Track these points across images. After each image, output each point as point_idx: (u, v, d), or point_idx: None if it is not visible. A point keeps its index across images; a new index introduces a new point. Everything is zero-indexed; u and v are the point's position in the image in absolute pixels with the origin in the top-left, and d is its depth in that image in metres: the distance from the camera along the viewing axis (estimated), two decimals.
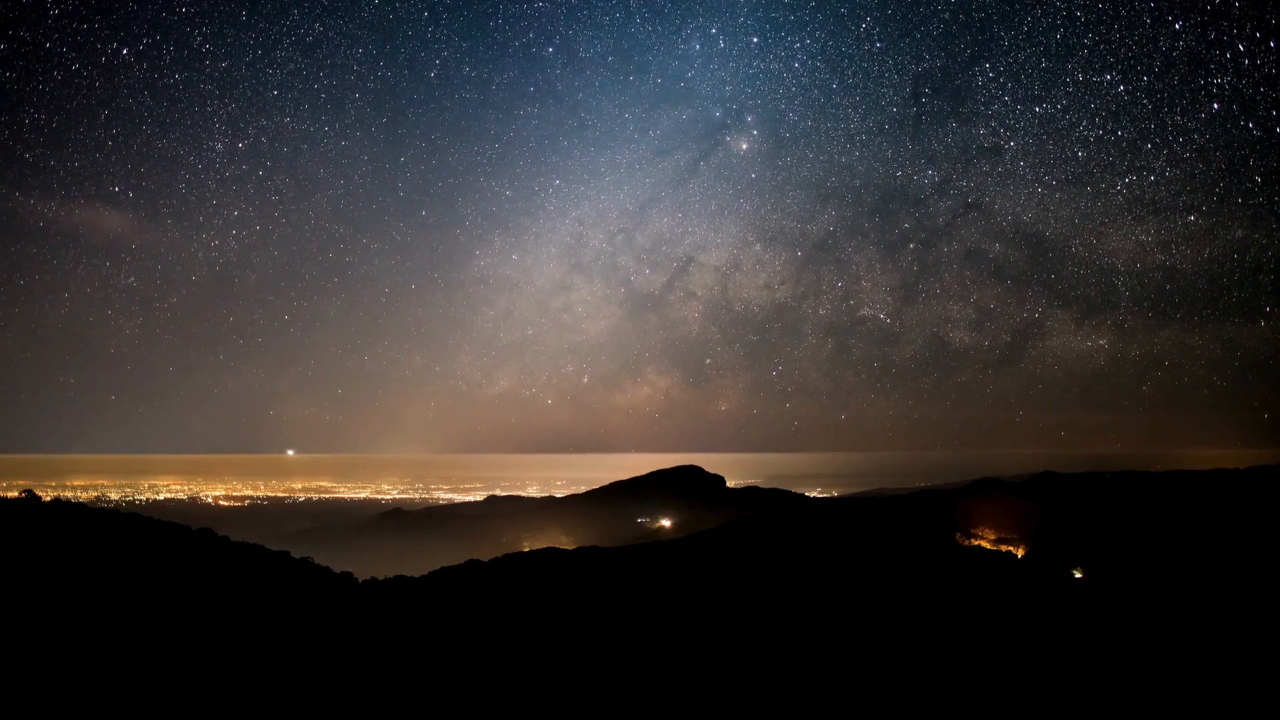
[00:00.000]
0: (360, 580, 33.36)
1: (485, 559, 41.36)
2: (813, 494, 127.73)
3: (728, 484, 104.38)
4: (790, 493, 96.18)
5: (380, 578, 34.89)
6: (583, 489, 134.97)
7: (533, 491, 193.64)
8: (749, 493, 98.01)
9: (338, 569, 33.69)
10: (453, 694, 20.68)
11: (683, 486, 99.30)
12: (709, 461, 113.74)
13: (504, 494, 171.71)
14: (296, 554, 34.03)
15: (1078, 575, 49.37)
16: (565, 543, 61.29)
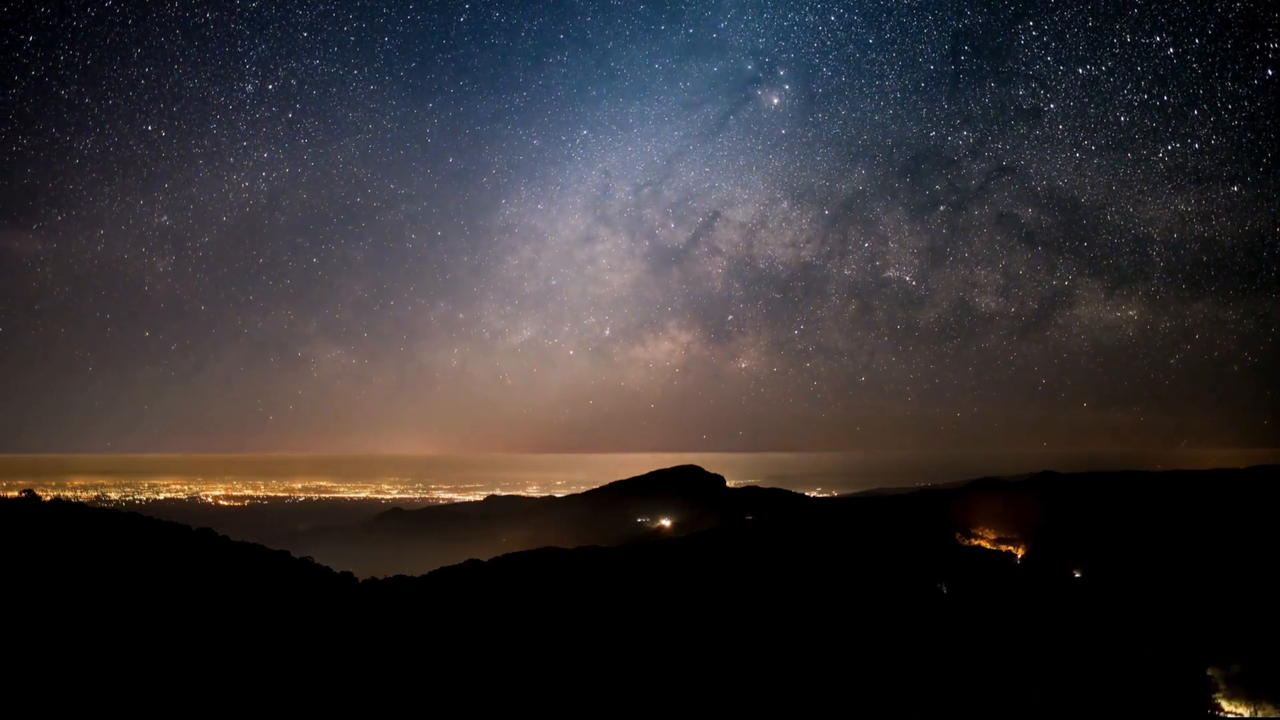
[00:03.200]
0: (360, 580, 33.39)
1: (485, 559, 41.39)
2: (813, 494, 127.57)
3: (728, 484, 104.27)
4: (790, 493, 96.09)
5: (380, 578, 34.92)
6: (583, 489, 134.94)
7: (533, 491, 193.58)
8: (749, 493, 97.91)
9: (338, 569, 33.73)
10: (452, 693, 20.68)
11: (683, 486, 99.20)
12: (709, 461, 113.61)
13: (504, 494, 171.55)
14: (296, 554, 34.07)
15: (1077, 575, 49.36)
16: (565, 543, 61.26)
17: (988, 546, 60.84)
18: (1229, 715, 30.34)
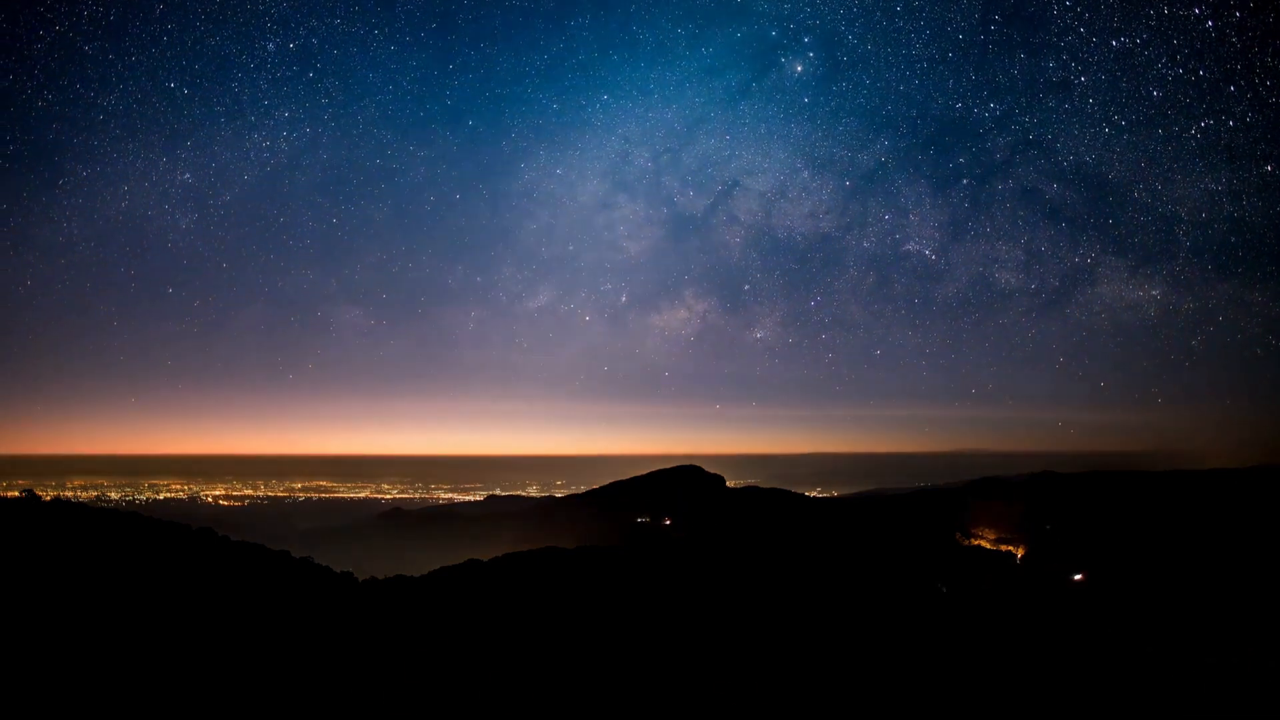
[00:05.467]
0: (360, 580, 33.38)
1: (485, 559, 41.39)
2: (813, 494, 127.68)
3: (728, 484, 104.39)
4: (790, 492, 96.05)
5: (380, 578, 34.92)
6: (582, 489, 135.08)
7: (533, 491, 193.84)
8: (749, 493, 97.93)
9: (338, 569, 33.72)
10: (453, 694, 20.69)
11: (683, 486, 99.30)
12: (709, 461, 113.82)
13: (504, 494, 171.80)
14: (296, 554, 34.06)
15: (1077, 576, 49.40)
16: (565, 543, 61.34)
17: (988, 547, 60.90)
18: (1229, 714, 30.33)
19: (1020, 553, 58.54)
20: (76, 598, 21.35)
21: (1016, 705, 22.68)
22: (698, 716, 20.76)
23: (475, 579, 36.84)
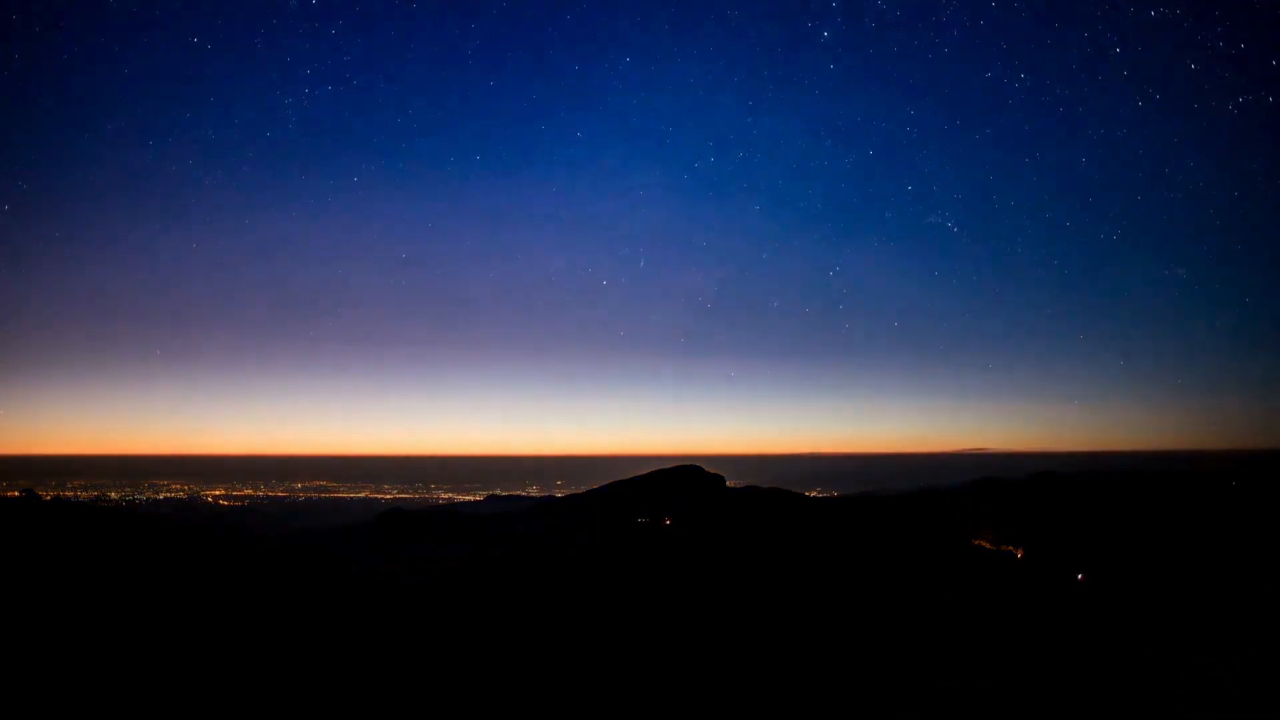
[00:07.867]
0: (360, 580, 33.40)
1: (485, 559, 41.40)
2: (813, 494, 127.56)
3: (728, 484, 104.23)
4: (790, 493, 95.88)
5: (380, 578, 34.92)
6: (582, 489, 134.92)
7: (533, 491, 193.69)
8: (749, 493, 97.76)
9: (338, 569, 33.76)
10: (452, 692, 20.66)
11: (683, 487, 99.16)
12: (709, 461, 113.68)
13: (504, 494, 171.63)
14: (296, 554, 34.10)
15: (1078, 576, 49.36)
16: (565, 543, 60.97)
17: (988, 547, 60.86)
18: (1230, 714, 30.29)
19: (1020, 553, 58.49)
20: (77, 596, 21.33)
21: (1018, 705, 22.67)
22: (696, 714, 20.76)
23: (475, 579, 36.83)
